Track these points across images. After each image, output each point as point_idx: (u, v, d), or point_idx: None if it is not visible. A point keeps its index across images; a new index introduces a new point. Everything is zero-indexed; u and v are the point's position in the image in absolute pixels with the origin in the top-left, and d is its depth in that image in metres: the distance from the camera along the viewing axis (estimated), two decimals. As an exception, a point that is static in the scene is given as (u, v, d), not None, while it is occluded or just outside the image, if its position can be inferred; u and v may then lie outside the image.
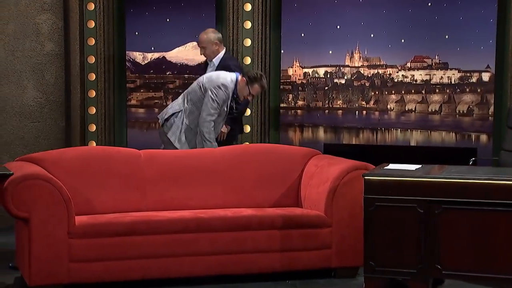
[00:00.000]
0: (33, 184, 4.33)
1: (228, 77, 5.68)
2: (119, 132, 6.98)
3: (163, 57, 7.19)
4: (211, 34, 6.03)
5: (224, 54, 6.07)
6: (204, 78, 5.75)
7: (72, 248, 4.37)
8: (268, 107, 6.81)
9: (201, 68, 6.24)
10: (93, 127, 6.92)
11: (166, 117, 5.76)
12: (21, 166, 4.58)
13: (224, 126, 5.84)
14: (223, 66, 5.92)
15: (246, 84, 5.62)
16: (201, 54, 6.14)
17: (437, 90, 6.48)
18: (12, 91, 6.27)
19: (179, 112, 5.74)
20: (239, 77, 5.68)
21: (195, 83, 5.81)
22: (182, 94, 5.89)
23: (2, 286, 4.52)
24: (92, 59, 6.86)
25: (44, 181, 4.37)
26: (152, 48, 7.17)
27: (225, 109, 5.71)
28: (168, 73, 7.22)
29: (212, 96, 5.59)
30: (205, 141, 5.63)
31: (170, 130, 5.73)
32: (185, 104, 5.74)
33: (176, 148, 5.66)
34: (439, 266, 3.96)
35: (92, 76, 6.89)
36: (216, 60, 6.04)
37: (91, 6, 6.83)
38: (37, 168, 4.57)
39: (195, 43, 7.01)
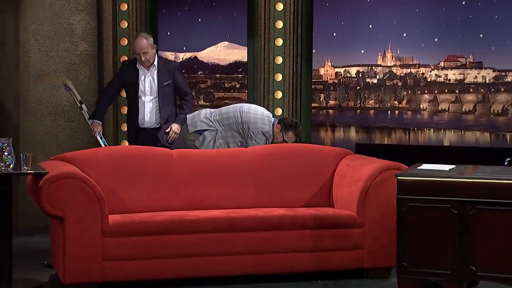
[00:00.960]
0: (68, 183, 4.38)
1: (268, 127, 5.70)
2: (151, 131, 7.00)
3: (195, 57, 7.22)
4: (150, 38, 5.78)
5: (158, 56, 5.91)
6: (241, 117, 5.73)
7: (105, 246, 4.41)
8: (300, 107, 6.79)
9: (132, 68, 5.86)
10: (125, 127, 6.95)
11: (198, 130, 5.79)
12: (55, 165, 4.63)
13: (177, 125, 5.77)
14: (168, 69, 5.82)
15: (281, 130, 5.70)
16: (142, 61, 5.73)
17: (471, 90, 6.41)
18: (46, 91, 6.34)
19: (212, 130, 5.78)
20: (276, 123, 5.74)
21: (231, 112, 5.76)
22: (212, 114, 5.83)
23: (37, 284, 4.57)
24: (125, 59, 6.90)
25: (78, 180, 4.41)
26: (184, 48, 7.20)
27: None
28: (199, 73, 7.25)
29: (255, 139, 5.66)
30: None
31: (202, 144, 5.75)
32: (220, 127, 5.76)
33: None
34: (473, 268, 3.92)
35: (125, 76, 6.92)
36: (155, 64, 5.81)
37: (124, 7, 6.88)
38: (71, 167, 4.62)
39: (227, 43, 7.04)
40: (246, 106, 5.83)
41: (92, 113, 5.87)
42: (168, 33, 7.11)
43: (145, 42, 5.71)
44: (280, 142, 5.75)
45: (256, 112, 5.76)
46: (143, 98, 5.80)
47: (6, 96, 6.66)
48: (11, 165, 4.35)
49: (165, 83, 5.77)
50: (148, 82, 5.79)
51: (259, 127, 5.68)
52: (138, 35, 5.97)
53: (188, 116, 5.86)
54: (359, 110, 6.88)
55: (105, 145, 5.86)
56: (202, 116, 5.82)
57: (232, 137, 5.74)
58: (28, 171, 4.40)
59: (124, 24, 6.89)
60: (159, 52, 7.04)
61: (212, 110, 5.90)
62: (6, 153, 4.33)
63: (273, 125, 5.74)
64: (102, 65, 6.75)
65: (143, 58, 5.71)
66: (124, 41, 6.89)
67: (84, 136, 6.40)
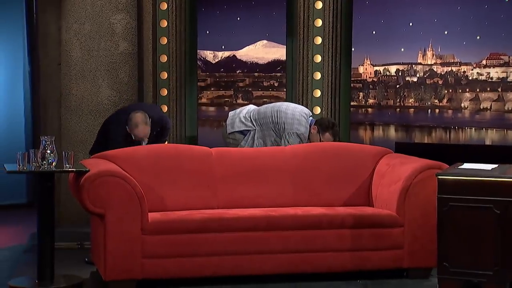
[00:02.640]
0: (108, 180, 4.43)
1: (303, 128, 5.70)
2: (190, 130, 7.04)
3: (234, 55, 7.22)
4: (149, 119, 5.60)
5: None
6: (279, 117, 5.73)
7: (145, 244, 4.45)
8: (339, 105, 6.75)
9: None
10: (165, 108, 7.00)
11: (237, 130, 5.82)
12: (96, 163, 4.69)
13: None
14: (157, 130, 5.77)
15: (318, 132, 5.68)
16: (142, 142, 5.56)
17: (514, 88, 6.30)
18: (87, 90, 6.42)
19: (250, 130, 5.82)
20: (313, 124, 5.73)
21: (269, 112, 5.77)
22: (251, 113, 5.86)
23: (78, 280, 4.63)
24: (164, 58, 6.95)
25: (119, 178, 4.46)
26: (223, 47, 7.22)
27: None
28: (238, 71, 7.25)
29: (289, 139, 5.66)
30: None
31: (242, 139, 5.80)
32: (258, 126, 5.80)
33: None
34: (516, 269, 3.86)
35: (164, 75, 6.98)
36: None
37: (164, 6, 6.92)
38: (111, 165, 4.67)
39: (265, 42, 7.03)
40: (284, 106, 5.82)
41: None
42: (207, 32, 7.13)
43: (148, 128, 5.53)
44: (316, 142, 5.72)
45: (294, 112, 5.75)
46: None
47: (49, 95, 6.76)
48: (54, 163, 4.42)
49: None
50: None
51: (294, 128, 5.67)
52: (139, 121, 5.48)
53: (229, 115, 5.91)
54: (398, 109, 6.82)
55: None
56: (242, 116, 5.85)
57: (269, 136, 5.75)
58: (70, 169, 4.46)
59: (164, 23, 6.93)
60: (198, 51, 7.09)
61: (251, 109, 5.91)
62: (48, 151, 4.40)
63: (310, 125, 5.73)
64: (142, 64, 6.80)
65: (145, 140, 5.54)
66: (164, 40, 6.93)
67: (124, 135, 6.45)
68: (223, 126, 6.02)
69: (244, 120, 5.83)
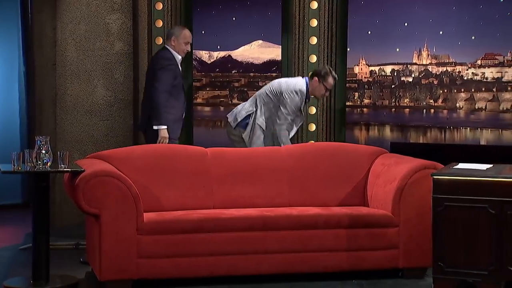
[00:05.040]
0: (104, 181, 4.42)
1: (301, 83, 5.91)
2: (185, 130, 7.04)
3: (229, 55, 7.23)
4: None
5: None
6: (276, 83, 5.99)
7: (140, 244, 4.45)
8: (334, 105, 6.77)
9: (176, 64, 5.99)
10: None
11: (240, 119, 5.89)
12: (91, 163, 4.68)
13: (165, 131, 5.79)
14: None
15: (320, 82, 5.80)
16: (187, 51, 6.01)
17: (509, 88, 6.31)
18: (82, 90, 6.41)
19: (251, 113, 5.91)
20: (308, 80, 5.92)
21: (266, 87, 6.04)
22: (251, 98, 6.12)
23: (73, 281, 4.62)
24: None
25: (114, 178, 4.45)
26: (218, 47, 7.22)
27: (302, 113, 5.93)
28: (233, 71, 7.26)
29: (288, 101, 5.77)
30: (281, 141, 5.84)
31: (245, 131, 5.90)
32: (257, 106, 5.94)
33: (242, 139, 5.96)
34: (511, 268, 3.86)
35: (160, 75, 6.96)
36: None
37: (159, 6, 6.92)
38: (107, 165, 4.67)
39: (261, 42, 7.04)
40: (281, 80, 6.06)
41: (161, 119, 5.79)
42: (203, 32, 7.13)
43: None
44: (323, 94, 5.97)
45: (290, 79, 6.02)
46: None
47: (44, 95, 6.75)
48: (48, 163, 4.41)
49: None
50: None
51: (291, 87, 5.83)
52: (181, 27, 6.09)
53: (229, 114, 6.04)
54: (394, 109, 6.83)
55: None
56: (240, 108, 6.03)
57: (269, 112, 5.87)
58: (65, 169, 4.45)
59: (159, 23, 6.93)
60: (193, 51, 7.08)
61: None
62: (43, 151, 4.39)
63: (307, 84, 5.86)
64: (137, 64, 6.79)
65: (188, 48, 5.96)
66: (159, 40, 6.93)
67: (119, 135, 6.46)
68: (228, 123, 6.10)
69: (242, 108, 5.99)
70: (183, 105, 5.97)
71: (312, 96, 6.07)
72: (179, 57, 5.94)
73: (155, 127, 5.75)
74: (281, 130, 5.85)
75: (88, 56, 6.39)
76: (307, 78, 5.96)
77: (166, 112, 5.75)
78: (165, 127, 5.74)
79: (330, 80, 5.86)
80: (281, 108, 5.78)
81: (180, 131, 6.02)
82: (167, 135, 5.75)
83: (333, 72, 5.90)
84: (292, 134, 5.99)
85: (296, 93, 5.78)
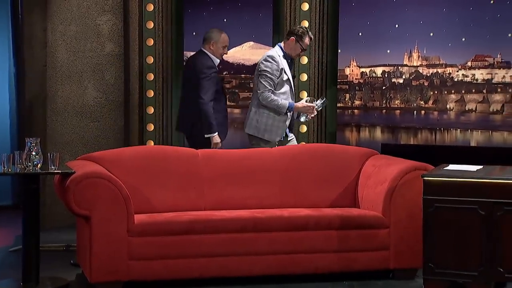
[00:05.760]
0: (94, 182, 4.41)
1: (272, 50, 5.83)
2: (176, 131, 7.04)
3: (220, 57, 7.21)
4: None
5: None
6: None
7: (131, 246, 4.44)
8: (325, 106, 6.77)
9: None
10: (151, 127, 7.00)
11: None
12: (82, 165, 4.67)
13: (217, 137, 5.87)
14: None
15: (296, 41, 5.74)
16: (224, 53, 6.08)
17: (499, 90, 6.34)
18: (73, 91, 6.39)
19: (256, 111, 5.83)
20: (282, 43, 5.82)
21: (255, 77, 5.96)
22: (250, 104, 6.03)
23: (64, 283, 4.61)
24: (150, 60, 6.95)
25: (105, 179, 4.44)
26: (209, 48, 7.20)
27: (287, 78, 5.76)
28: (224, 73, 7.25)
29: (263, 69, 5.69)
30: (278, 107, 5.69)
31: (247, 126, 5.85)
32: (252, 99, 5.90)
33: (260, 138, 5.79)
34: (501, 269, 3.88)
35: (151, 76, 6.97)
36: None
37: (150, 7, 6.91)
38: (97, 167, 4.65)
39: (252, 43, 7.04)
40: None
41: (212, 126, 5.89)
42: (194, 33, 7.13)
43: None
44: (298, 55, 5.84)
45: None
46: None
47: (34, 96, 6.73)
48: (39, 165, 4.40)
49: None
50: None
51: (262, 58, 5.75)
52: (219, 31, 6.04)
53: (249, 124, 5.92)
54: (384, 110, 6.84)
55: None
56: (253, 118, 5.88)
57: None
58: (55, 170, 4.44)
59: (150, 25, 6.92)
60: (184, 52, 7.08)
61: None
62: (33, 153, 4.38)
63: (281, 48, 5.77)
64: (128, 65, 6.79)
65: (225, 51, 6.03)
66: (150, 42, 6.93)
67: (110, 136, 6.45)
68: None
69: (252, 114, 5.87)
70: (225, 107, 6.09)
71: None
72: (217, 61, 6.02)
73: (206, 136, 5.86)
74: (264, 97, 5.67)
75: (78, 58, 6.38)
76: (280, 43, 5.84)
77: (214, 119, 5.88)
78: (216, 134, 5.86)
79: (306, 40, 5.77)
80: (260, 79, 5.70)
81: (226, 135, 6.08)
82: (219, 141, 5.87)
83: (310, 33, 5.82)
84: (301, 100, 5.84)
85: (267, 60, 5.68)
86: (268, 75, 5.67)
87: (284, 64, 5.73)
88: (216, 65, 6.00)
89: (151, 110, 6.97)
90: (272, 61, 5.68)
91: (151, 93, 6.98)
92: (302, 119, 5.90)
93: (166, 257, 4.50)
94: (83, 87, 6.38)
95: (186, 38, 7.07)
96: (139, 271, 4.46)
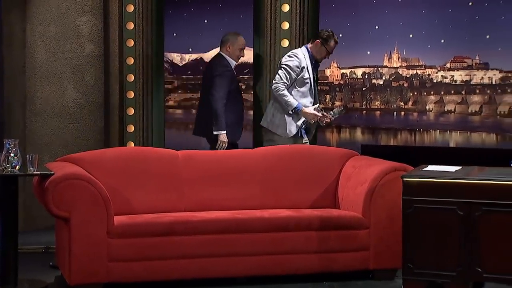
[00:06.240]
0: (73, 184, 4.39)
1: (298, 49, 5.98)
2: (157, 133, 7.02)
3: (201, 58, 7.22)
4: None
5: None
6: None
7: (111, 247, 4.42)
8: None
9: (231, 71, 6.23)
10: (131, 128, 6.97)
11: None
12: (61, 166, 4.65)
13: (225, 135, 5.97)
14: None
15: (322, 44, 5.87)
16: (242, 56, 6.24)
17: (477, 91, 6.40)
18: (52, 92, 6.35)
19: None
20: (309, 44, 5.97)
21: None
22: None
23: (43, 285, 4.58)
24: (131, 61, 6.91)
25: (84, 181, 4.42)
26: (190, 49, 7.21)
27: (308, 77, 5.87)
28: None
29: (282, 64, 5.85)
30: (285, 103, 5.79)
31: (262, 119, 5.98)
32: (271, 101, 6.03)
33: (273, 133, 5.90)
34: (479, 269, 3.91)
35: (131, 78, 6.94)
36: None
37: (131, 8, 6.88)
38: (77, 168, 4.63)
39: (232, 44, 7.03)
40: None
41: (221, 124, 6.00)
42: (174, 34, 7.11)
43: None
44: (323, 57, 5.97)
45: None
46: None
47: (13, 97, 6.68)
48: (17, 166, 4.37)
49: None
50: None
51: (287, 53, 5.92)
52: (236, 33, 6.22)
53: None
54: (365, 111, 6.88)
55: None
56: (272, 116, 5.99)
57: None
58: (34, 172, 4.41)
59: (131, 26, 6.89)
60: (165, 53, 7.06)
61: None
62: (12, 154, 4.35)
63: (307, 48, 5.91)
64: (108, 66, 6.75)
65: (243, 54, 6.17)
66: (130, 43, 6.90)
67: (90, 138, 6.41)
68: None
69: (269, 112, 5.99)
70: (241, 108, 6.17)
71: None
72: (233, 63, 6.16)
73: (215, 133, 5.99)
74: (275, 88, 5.80)
75: (58, 58, 6.34)
76: (307, 44, 6.01)
77: (225, 117, 5.97)
78: (225, 132, 5.96)
79: (332, 43, 5.88)
80: (278, 71, 5.86)
81: (241, 134, 6.20)
82: (226, 140, 5.97)
83: (335, 36, 5.93)
84: (310, 106, 5.87)
85: (290, 55, 5.87)
86: (288, 68, 5.83)
87: (307, 63, 5.87)
88: (233, 67, 6.13)
89: (131, 111, 6.94)
90: (294, 57, 5.85)
91: (131, 94, 6.94)
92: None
93: (146, 258, 4.49)
94: (62, 88, 6.35)
95: (166, 39, 7.05)
96: (119, 273, 4.44)
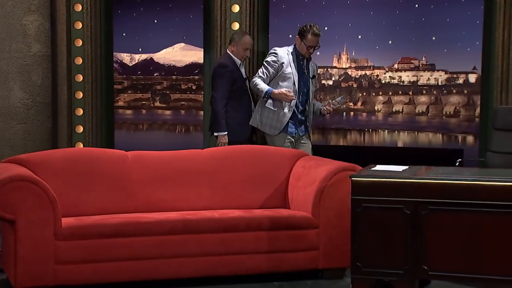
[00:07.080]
0: (19, 185, 4.31)
1: (282, 47, 5.98)
2: (106, 133, 6.95)
3: (151, 58, 7.17)
4: None
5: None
6: None
7: (58, 250, 4.36)
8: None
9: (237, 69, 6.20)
10: (80, 129, 6.89)
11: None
12: (7, 168, 4.56)
13: (225, 136, 5.97)
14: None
15: (300, 40, 5.87)
16: (247, 56, 6.22)
17: (424, 92, 6.50)
18: (-2, 93, 6.24)
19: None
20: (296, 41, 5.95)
21: None
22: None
23: (-13, 289, 4.50)
24: (79, 61, 6.83)
25: (30, 182, 4.35)
26: (140, 49, 7.15)
27: (290, 72, 5.86)
28: (155, 74, 7.20)
29: (264, 61, 5.94)
30: (259, 91, 5.88)
31: (251, 119, 6.00)
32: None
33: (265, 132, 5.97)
34: (425, 267, 3.97)
35: (79, 78, 6.86)
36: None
37: (78, 7, 6.80)
38: (23, 170, 4.55)
39: (183, 44, 7.00)
40: None
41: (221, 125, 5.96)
42: (124, 34, 7.05)
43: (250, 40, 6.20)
44: (306, 53, 5.88)
45: None
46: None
47: (-43, 97, 6.53)
48: (-39, 168, 4.27)
49: None
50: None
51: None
52: (242, 32, 6.25)
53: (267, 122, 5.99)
54: (315, 112, 6.91)
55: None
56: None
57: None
58: (-21, 174, 4.32)
59: (79, 25, 6.81)
60: (114, 53, 6.99)
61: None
62: (-45, 156, 4.25)
63: (294, 45, 5.90)
64: (56, 66, 6.66)
65: (247, 54, 6.15)
66: (79, 42, 6.81)
67: (37, 139, 6.31)
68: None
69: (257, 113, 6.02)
70: (247, 107, 6.09)
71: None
72: (238, 62, 6.12)
73: (215, 134, 5.98)
74: (252, 82, 5.92)
75: (3, 58, 6.23)
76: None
77: (226, 117, 5.95)
78: (225, 133, 5.94)
79: (309, 37, 5.82)
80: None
81: (249, 133, 6.14)
82: (226, 141, 5.93)
83: (314, 28, 5.83)
84: (292, 104, 5.86)
85: (270, 52, 5.92)
86: (266, 64, 5.92)
87: (290, 59, 5.87)
88: (238, 65, 6.10)
89: (80, 111, 6.86)
90: (273, 54, 5.91)
91: (80, 95, 6.86)
92: (286, 109, 5.89)
93: (95, 260, 4.44)
94: (8, 88, 6.23)
95: (115, 38, 6.98)
96: (66, 275, 4.38)
